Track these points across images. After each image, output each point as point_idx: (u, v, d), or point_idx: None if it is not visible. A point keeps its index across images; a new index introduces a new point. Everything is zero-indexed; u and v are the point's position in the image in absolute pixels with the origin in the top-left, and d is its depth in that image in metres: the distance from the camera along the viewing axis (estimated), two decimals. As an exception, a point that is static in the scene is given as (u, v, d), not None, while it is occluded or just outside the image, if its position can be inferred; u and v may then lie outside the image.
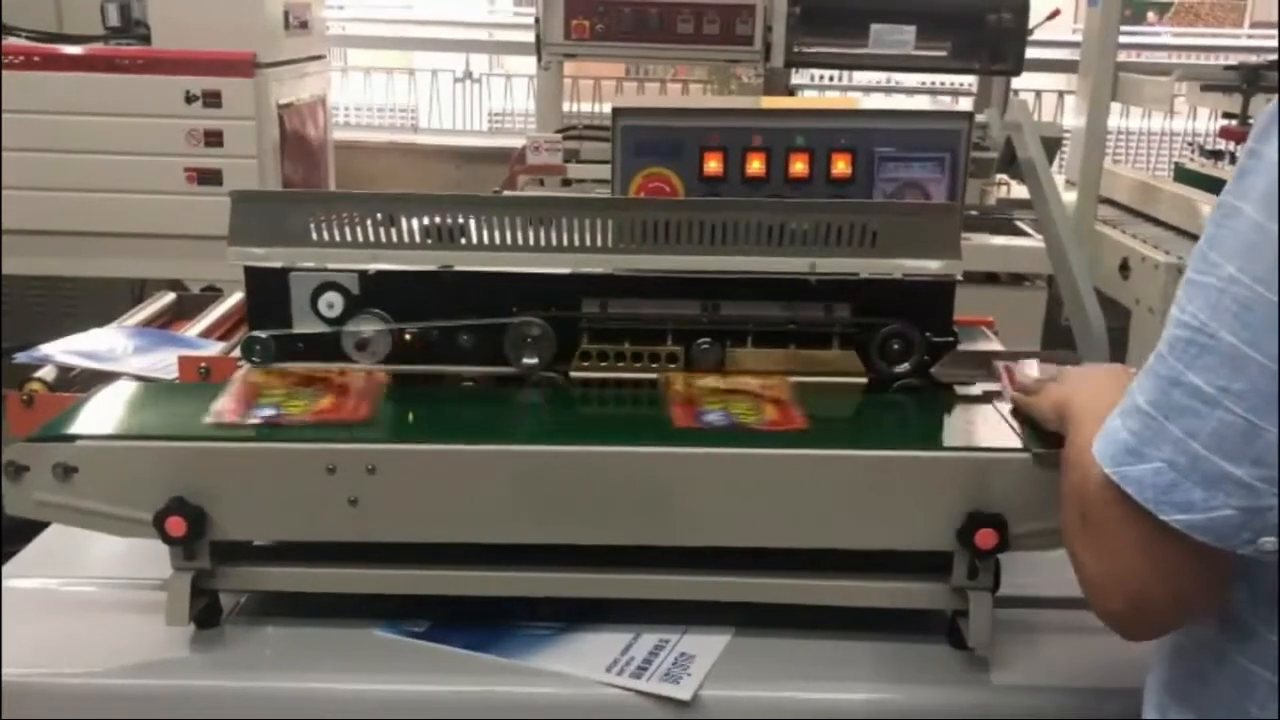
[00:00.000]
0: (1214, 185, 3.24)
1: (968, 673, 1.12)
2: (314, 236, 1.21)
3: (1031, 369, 1.16)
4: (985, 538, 1.04)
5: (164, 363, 1.53)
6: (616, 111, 1.17)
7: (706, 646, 1.12)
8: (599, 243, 1.20)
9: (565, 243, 1.20)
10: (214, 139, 3.14)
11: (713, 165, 1.17)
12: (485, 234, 1.21)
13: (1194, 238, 3.10)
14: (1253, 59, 3.61)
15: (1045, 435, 1.04)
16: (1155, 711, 0.92)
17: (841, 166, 1.17)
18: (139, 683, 1.10)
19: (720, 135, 1.17)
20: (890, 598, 1.13)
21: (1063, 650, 1.16)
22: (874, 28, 3.27)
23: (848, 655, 1.14)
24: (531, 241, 1.20)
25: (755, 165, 1.17)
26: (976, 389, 1.22)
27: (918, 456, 1.07)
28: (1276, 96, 0.76)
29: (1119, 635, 0.87)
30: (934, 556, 1.11)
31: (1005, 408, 1.15)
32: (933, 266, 1.19)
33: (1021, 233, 3.33)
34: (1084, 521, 0.84)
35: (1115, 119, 3.91)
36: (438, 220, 1.21)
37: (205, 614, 1.13)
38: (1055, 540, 1.05)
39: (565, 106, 3.69)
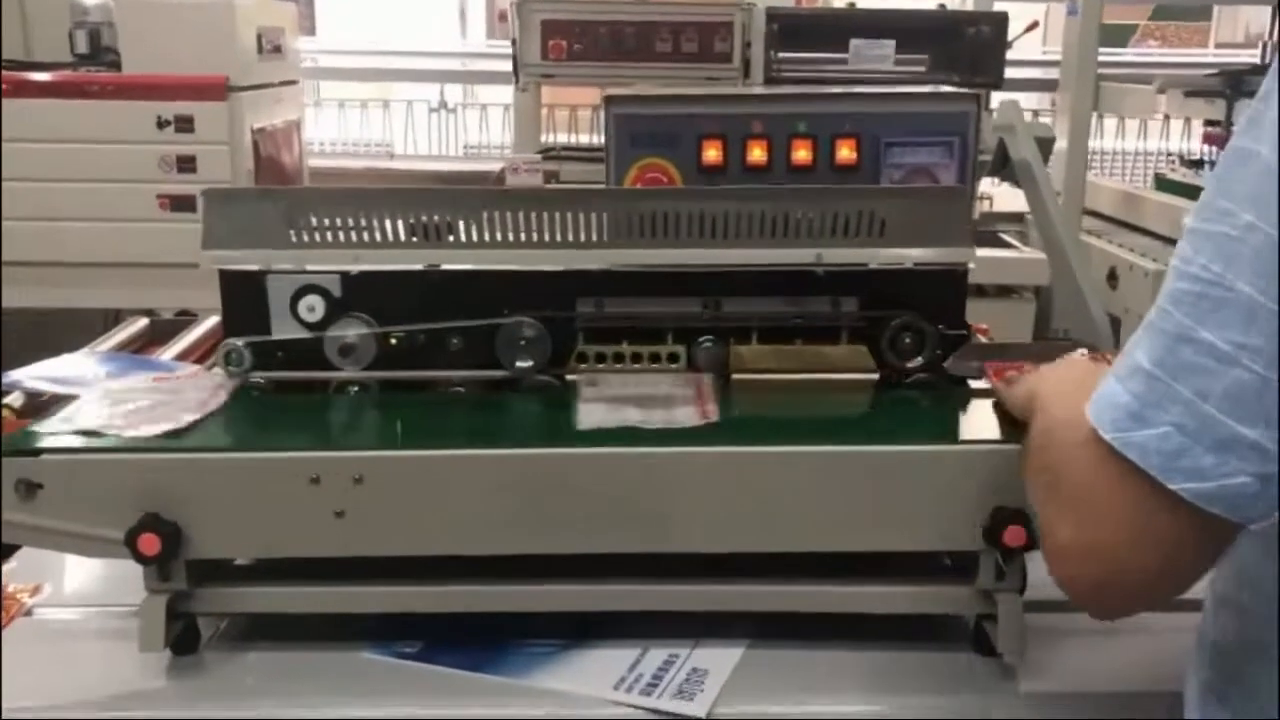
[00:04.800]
0: (1196, 193, 3.23)
1: (994, 681, 1.06)
2: (292, 237, 1.15)
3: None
4: (1014, 535, 0.99)
5: (137, 386, 1.47)
6: (609, 99, 1.11)
7: (719, 660, 1.06)
8: (594, 237, 1.14)
9: (558, 238, 1.14)
10: (187, 165, 3.09)
11: (712, 154, 1.12)
12: (474, 231, 1.15)
13: (1181, 245, 3.10)
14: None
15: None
16: (1196, 712, 0.86)
17: (846, 153, 1.12)
18: (111, 715, 1.02)
19: (719, 122, 1.12)
20: (912, 603, 1.07)
21: (1091, 654, 1.11)
22: (853, 43, 3.26)
23: (868, 666, 1.07)
24: (523, 238, 1.15)
25: (756, 153, 1.12)
26: (984, 382, 1.16)
27: (940, 451, 1.02)
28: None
29: (1083, 608, 0.82)
30: (937, 559, 1.06)
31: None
32: (943, 255, 1.14)
33: (1007, 245, 3.32)
34: (1054, 490, 0.79)
35: (1090, 140, 3.91)
36: (423, 218, 1.15)
37: (182, 639, 1.06)
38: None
39: (542, 138, 3.66)
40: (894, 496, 1.01)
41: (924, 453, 1.02)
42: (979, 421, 1.11)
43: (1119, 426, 0.72)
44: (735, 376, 1.18)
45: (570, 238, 1.14)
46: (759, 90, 2.46)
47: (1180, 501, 0.70)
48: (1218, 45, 7.57)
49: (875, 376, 1.19)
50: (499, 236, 1.14)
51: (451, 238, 1.15)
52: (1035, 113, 4.96)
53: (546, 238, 1.14)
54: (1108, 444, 0.72)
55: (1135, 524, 0.73)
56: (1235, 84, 3.00)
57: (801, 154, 1.13)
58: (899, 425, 1.08)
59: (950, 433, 1.06)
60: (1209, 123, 3.28)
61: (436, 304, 1.16)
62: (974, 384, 1.18)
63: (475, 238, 1.15)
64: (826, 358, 1.17)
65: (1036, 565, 1.04)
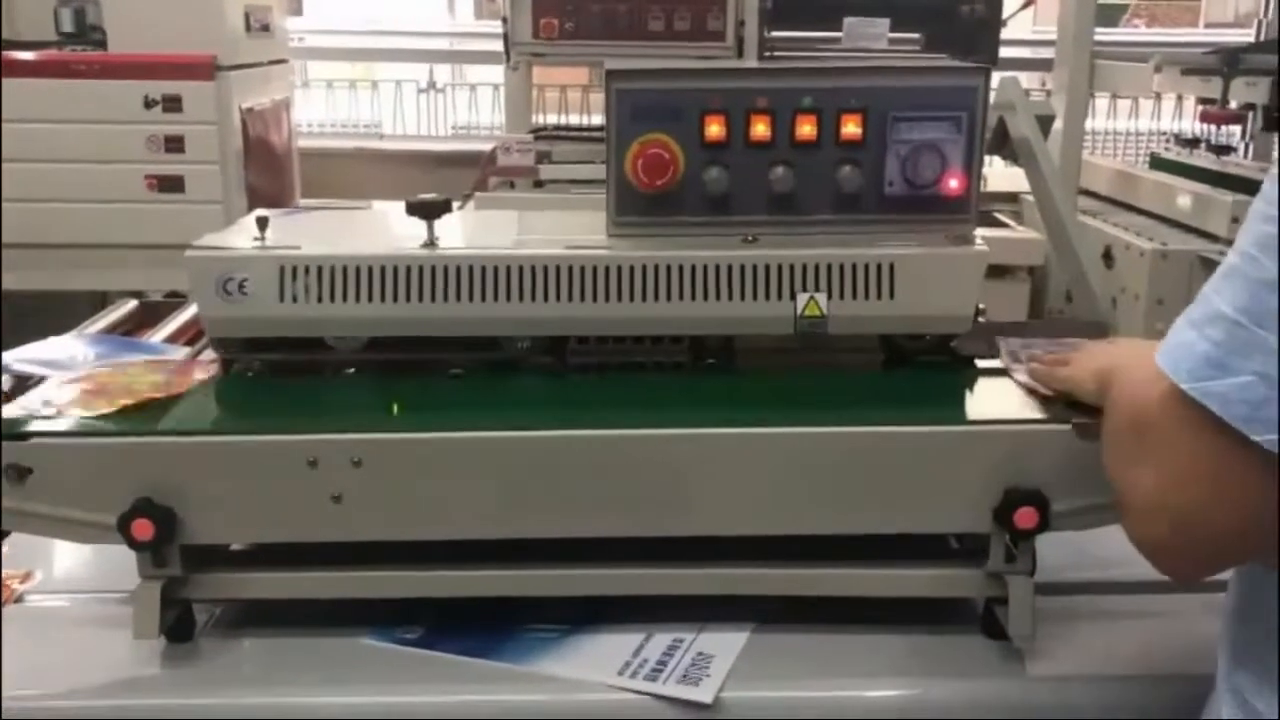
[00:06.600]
0: (1192, 173, 3.22)
1: (1003, 664, 1.05)
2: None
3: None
4: (1025, 517, 0.97)
5: (127, 368, 1.45)
6: (610, 74, 1.09)
7: (725, 644, 1.04)
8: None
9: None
10: (175, 145, 3.06)
11: (714, 129, 1.09)
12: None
13: (1175, 224, 3.06)
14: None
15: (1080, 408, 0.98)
16: (1224, 673, 0.83)
17: (852, 128, 1.10)
18: (105, 704, 1.00)
19: (722, 97, 1.09)
20: (922, 586, 1.05)
21: (1101, 638, 1.09)
22: (847, 21, 3.23)
23: (874, 649, 1.06)
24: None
25: (760, 128, 1.09)
26: (1000, 362, 1.14)
27: (950, 431, 1.00)
28: None
29: (1160, 570, 0.79)
30: (942, 541, 1.04)
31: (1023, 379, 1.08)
32: (948, 310, 1.13)
33: (1001, 224, 3.30)
34: (1134, 451, 0.76)
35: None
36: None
37: (177, 626, 1.04)
38: (1099, 517, 0.99)
39: (532, 119, 3.62)
40: (903, 478, 0.99)
41: (934, 433, 1.00)
42: (989, 401, 1.09)
43: (1197, 375, 0.70)
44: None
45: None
46: (763, 64, 2.43)
47: (1262, 456, 0.67)
48: (1207, 25, 7.55)
49: (882, 356, 1.17)
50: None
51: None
52: (1027, 92, 4.93)
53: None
54: (1184, 394, 0.70)
55: (1216, 480, 0.71)
56: (1232, 61, 2.97)
57: (806, 129, 1.10)
58: (908, 405, 1.06)
59: (960, 413, 1.05)
60: (1203, 101, 3.25)
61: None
62: (982, 363, 1.16)
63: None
64: (833, 338, 1.15)
65: (1046, 547, 1.03)
